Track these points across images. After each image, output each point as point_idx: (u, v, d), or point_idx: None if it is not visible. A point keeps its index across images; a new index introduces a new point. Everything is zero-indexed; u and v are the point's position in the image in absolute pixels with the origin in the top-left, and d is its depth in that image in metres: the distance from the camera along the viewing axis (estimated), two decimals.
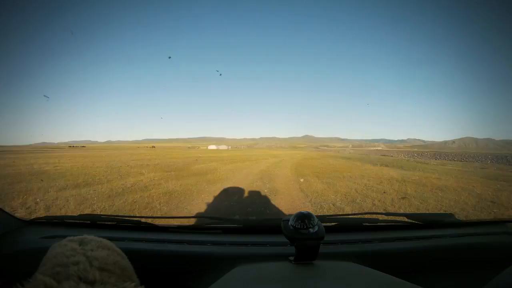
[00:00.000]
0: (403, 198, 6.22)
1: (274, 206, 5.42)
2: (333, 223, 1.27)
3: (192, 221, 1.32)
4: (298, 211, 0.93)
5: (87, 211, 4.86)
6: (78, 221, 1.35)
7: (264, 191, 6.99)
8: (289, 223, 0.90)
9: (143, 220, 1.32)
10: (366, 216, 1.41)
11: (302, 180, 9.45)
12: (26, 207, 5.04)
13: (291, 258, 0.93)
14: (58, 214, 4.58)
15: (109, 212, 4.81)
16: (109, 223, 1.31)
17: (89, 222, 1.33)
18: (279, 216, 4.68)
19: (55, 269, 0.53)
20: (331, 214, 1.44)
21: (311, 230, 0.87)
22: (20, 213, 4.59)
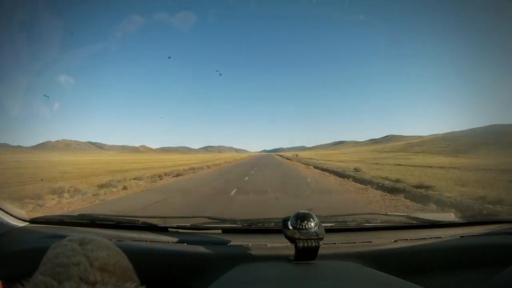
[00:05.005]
0: None
1: None
2: (333, 223, 1.28)
3: (192, 221, 1.32)
4: (297, 211, 0.93)
5: None
6: (78, 221, 1.35)
7: None
8: (289, 223, 0.90)
9: (142, 220, 1.32)
10: (366, 216, 1.41)
11: None
12: None
13: (291, 258, 0.93)
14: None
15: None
16: (109, 223, 1.31)
17: (88, 222, 1.33)
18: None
19: (55, 269, 0.53)
20: (331, 214, 1.44)
21: (311, 230, 0.87)
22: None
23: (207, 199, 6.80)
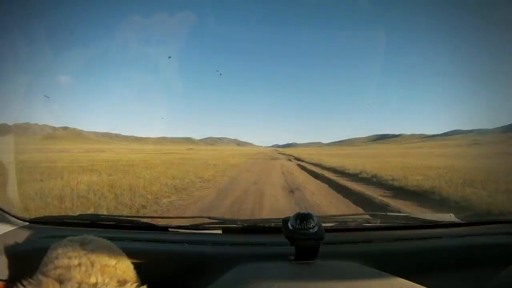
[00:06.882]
0: None
1: None
2: (333, 223, 1.28)
3: (192, 221, 1.32)
4: (297, 211, 0.93)
5: None
6: (78, 221, 1.35)
7: None
8: (289, 223, 0.90)
9: (143, 220, 1.32)
10: (366, 216, 1.42)
11: None
12: None
13: (291, 258, 0.93)
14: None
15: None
16: (109, 223, 1.31)
17: (88, 222, 1.33)
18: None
19: (56, 270, 0.53)
20: (331, 214, 1.44)
21: (311, 230, 0.87)
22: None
23: None
